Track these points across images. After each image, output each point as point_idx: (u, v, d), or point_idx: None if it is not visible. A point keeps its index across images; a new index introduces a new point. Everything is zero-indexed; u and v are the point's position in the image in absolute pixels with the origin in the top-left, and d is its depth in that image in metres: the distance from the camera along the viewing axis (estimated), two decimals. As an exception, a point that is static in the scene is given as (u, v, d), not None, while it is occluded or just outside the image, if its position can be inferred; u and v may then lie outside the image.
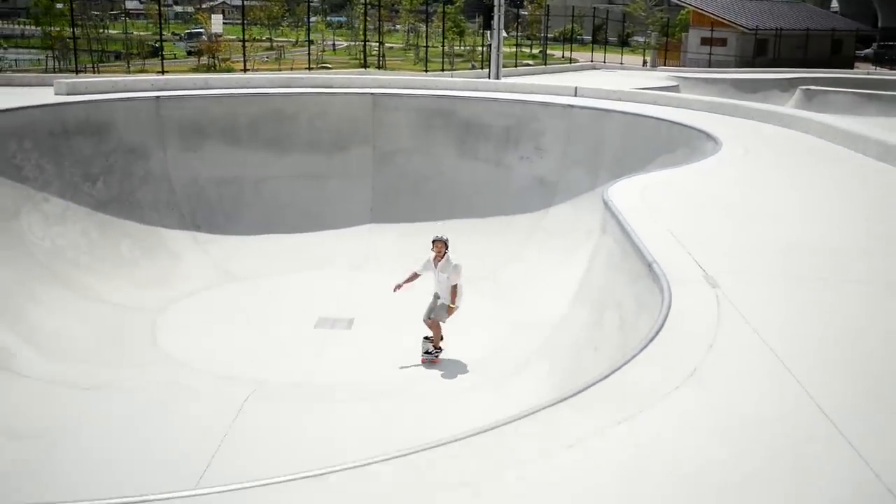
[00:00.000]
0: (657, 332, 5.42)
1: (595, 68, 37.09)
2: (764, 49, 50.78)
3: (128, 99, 16.63)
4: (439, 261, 11.17)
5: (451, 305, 10.91)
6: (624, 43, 52.70)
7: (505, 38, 26.40)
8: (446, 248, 11.26)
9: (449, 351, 11.59)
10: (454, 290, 10.92)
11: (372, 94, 18.04)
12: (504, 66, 25.70)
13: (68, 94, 16.71)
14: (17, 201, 13.48)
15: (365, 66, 32.67)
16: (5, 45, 28.47)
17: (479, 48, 39.06)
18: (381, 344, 11.96)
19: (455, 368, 11.11)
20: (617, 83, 24.52)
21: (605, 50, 46.56)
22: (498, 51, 24.41)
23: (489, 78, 24.49)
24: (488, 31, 25.23)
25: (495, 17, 24.02)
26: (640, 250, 7.15)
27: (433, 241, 11.37)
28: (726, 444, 4.12)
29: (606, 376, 4.85)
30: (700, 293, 6.19)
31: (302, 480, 3.82)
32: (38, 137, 14.51)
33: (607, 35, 57.34)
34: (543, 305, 12.31)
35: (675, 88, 26.70)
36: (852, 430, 4.24)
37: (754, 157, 12.49)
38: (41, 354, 10.33)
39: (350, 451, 8.07)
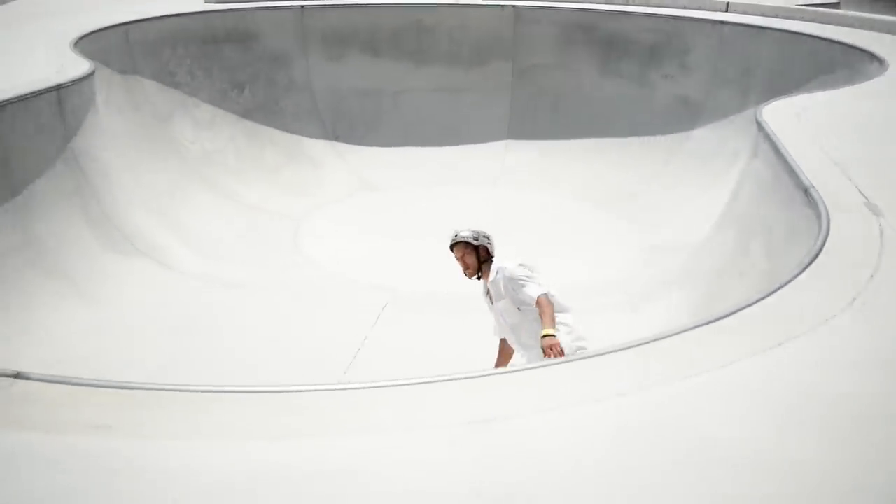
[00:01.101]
0: (813, 259, 5.17)
1: (748, -17, 35.03)
2: (938, -36, 46.66)
3: (273, 8, 16.87)
4: (486, 280, 6.75)
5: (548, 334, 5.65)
6: (780, -44, 49.46)
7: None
8: (488, 254, 6.82)
9: (581, 271, 11.50)
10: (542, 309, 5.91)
11: (514, 6, 17.64)
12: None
13: (217, 2, 17.08)
14: (170, 106, 14.04)
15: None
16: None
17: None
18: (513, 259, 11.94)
19: (588, 288, 11.02)
20: (772, -1, 23.07)
21: (759, -37, 43.81)
22: (646, -37, 23.31)
23: (635, -9, 23.46)
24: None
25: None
26: (796, 174, 6.80)
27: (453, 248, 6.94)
28: (885, 372, 3.92)
29: (759, 300, 4.68)
30: (861, 221, 5.84)
31: (446, 382, 3.89)
32: (190, 45, 14.97)
33: (762, -53, 53.92)
34: (683, 229, 11.98)
35: (835, 5, 24.96)
36: None
37: (925, 79, 11.60)
38: (194, 253, 10.87)
39: (483, 362, 8.20)
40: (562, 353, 5.44)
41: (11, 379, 3.59)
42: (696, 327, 4.45)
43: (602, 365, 4.09)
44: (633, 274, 11.38)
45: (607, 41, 17.00)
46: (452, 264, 11.75)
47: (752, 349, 4.10)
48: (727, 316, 4.47)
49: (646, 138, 15.68)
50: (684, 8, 17.94)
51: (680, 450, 3.34)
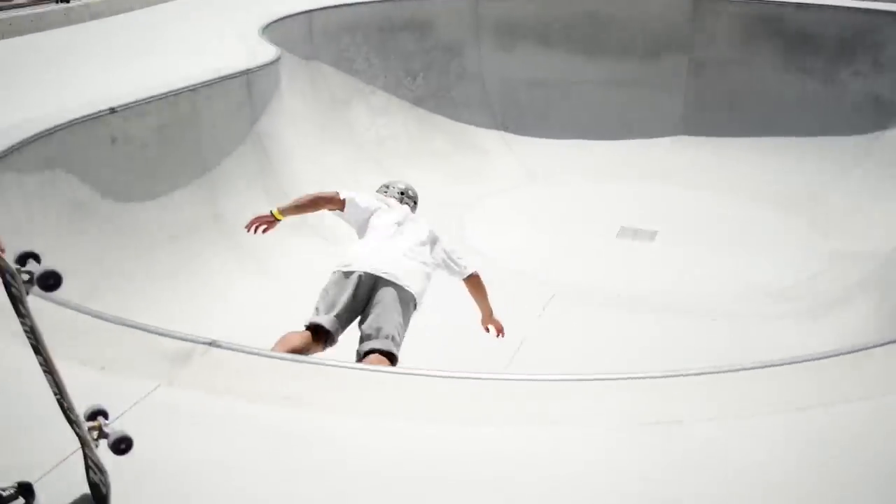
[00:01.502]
0: None
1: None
2: None
3: (450, -3, 17.07)
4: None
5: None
6: None
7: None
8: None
9: (756, 275, 11.03)
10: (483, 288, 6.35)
11: (693, -4, 17.07)
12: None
13: (396, -9, 17.46)
14: (348, 92, 14.48)
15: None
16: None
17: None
18: (683, 259, 11.60)
19: (760, 294, 10.55)
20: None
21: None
22: (839, -48, 22.00)
23: (825, -17, 22.21)
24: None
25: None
26: None
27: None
28: None
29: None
30: None
31: (626, 381, 3.79)
32: (368, 32, 15.37)
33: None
34: (872, 236, 11.25)
35: None
36: None
37: None
38: (365, 236, 11.16)
39: (654, 363, 8.00)
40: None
41: (206, 346, 3.78)
42: (886, 343, 4.13)
43: (791, 374, 3.87)
44: (814, 281, 10.79)
45: (792, 35, 16.13)
46: (620, 259, 11.60)
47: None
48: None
49: (832, 139, 14.80)
50: (879, 0, 16.82)
51: (882, 473, 3.11)
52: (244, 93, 9.81)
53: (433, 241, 5.82)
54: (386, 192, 6.46)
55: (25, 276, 2.10)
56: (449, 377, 3.82)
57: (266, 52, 11.13)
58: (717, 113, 16.05)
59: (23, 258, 2.17)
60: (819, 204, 13.49)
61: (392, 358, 5.06)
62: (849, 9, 16.11)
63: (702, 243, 12.13)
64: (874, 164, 13.77)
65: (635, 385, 3.78)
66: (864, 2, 16.73)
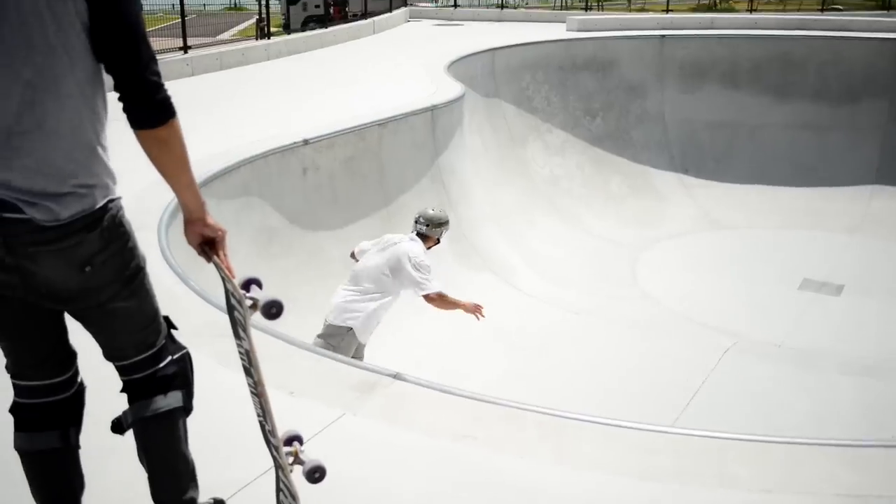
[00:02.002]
0: None
1: None
2: None
3: (633, 37, 16.94)
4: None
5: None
6: None
7: None
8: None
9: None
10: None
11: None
12: None
13: (579, 31, 17.52)
14: (525, 130, 14.60)
15: (887, 7, 29.40)
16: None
17: None
18: (870, 316, 10.87)
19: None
20: None
21: None
22: None
23: None
24: None
25: None
26: None
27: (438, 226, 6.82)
28: None
29: None
30: None
31: (820, 447, 3.57)
32: (549, 71, 15.48)
33: None
34: None
35: None
36: None
37: None
38: (537, 274, 11.15)
39: (826, 426, 7.52)
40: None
41: (391, 378, 3.87)
42: None
43: None
44: None
45: None
46: (802, 313, 11.01)
47: None
48: None
49: None
50: None
51: None
52: (428, 128, 10.07)
53: (394, 269, 6.32)
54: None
55: (249, 302, 2.22)
56: (652, 430, 3.73)
57: (451, 88, 11.40)
58: (917, 163, 15.07)
59: (247, 284, 2.30)
60: None
61: None
62: None
63: (891, 300, 11.33)
64: None
65: (831, 452, 3.56)
66: None
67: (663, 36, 16.80)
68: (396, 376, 3.90)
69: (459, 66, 13.41)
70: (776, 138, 15.93)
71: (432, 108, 10.13)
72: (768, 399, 8.24)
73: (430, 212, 6.83)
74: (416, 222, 6.76)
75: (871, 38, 16.78)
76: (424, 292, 6.34)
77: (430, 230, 6.72)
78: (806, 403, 8.21)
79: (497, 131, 14.01)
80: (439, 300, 6.45)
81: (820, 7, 27.97)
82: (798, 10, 28.37)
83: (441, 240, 6.91)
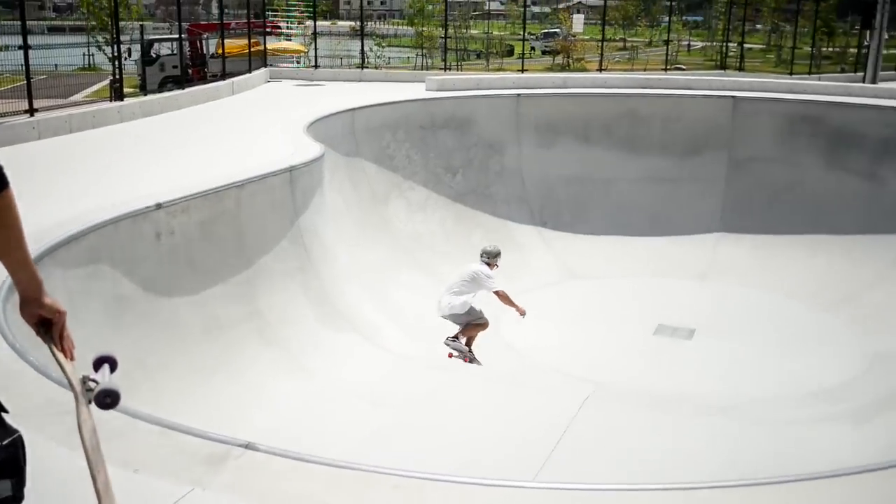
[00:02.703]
0: None
1: None
2: None
3: (490, 96, 17.45)
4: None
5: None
6: None
7: (886, 39, 23.98)
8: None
9: (796, 376, 10.82)
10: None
11: (732, 97, 17.28)
12: (882, 70, 23.35)
13: (438, 90, 17.90)
14: (387, 188, 14.72)
15: (723, 67, 31.44)
16: (383, 44, 31.08)
17: (852, 49, 35.92)
18: (721, 358, 11.45)
19: (803, 395, 10.32)
20: None
21: None
22: (878, 52, 22.23)
23: (864, 82, 22.40)
24: (867, 31, 23.09)
25: (878, 15, 21.88)
26: None
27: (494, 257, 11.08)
28: None
29: None
30: None
31: (656, 492, 3.69)
32: (410, 129, 15.73)
33: None
34: (916, 338, 11.03)
35: None
36: None
37: None
38: (402, 332, 11.17)
39: (684, 469, 7.78)
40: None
41: (242, 449, 3.77)
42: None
43: (823, 488, 3.75)
44: (855, 384, 10.54)
45: (834, 134, 16.21)
46: (657, 358, 11.44)
47: None
48: None
49: (873, 237, 14.69)
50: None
51: None
52: (287, 189, 10.01)
53: (473, 279, 10.66)
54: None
55: (92, 385, 2.14)
56: (511, 486, 3.77)
57: (310, 148, 11.39)
58: (756, 210, 16.07)
59: (99, 362, 2.21)
60: (861, 303, 13.30)
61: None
62: (892, 108, 16.18)
63: (740, 342, 11.98)
64: (917, 264, 13.60)
65: (675, 497, 3.69)
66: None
67: (519, 95, 17.38)
68: (248, 446, 3.80)
69: (319, 127, 13.44)
70: (628, 190, 16.67)
71: (291, 169, 10.08)
72: (627, 445, 8.47)
73: (487, 247, 11.25)
74: (486, 257, 10.95)
75: (709, 95, 17.89)
76: (494, 289, 10.62)
77: (490, 259, 10.98)
78: (663, 447, 8.48)
79: (359, 190, 14.07)
80: (504, 296, 10.66)
81: (664, 67, 29.68)
82: (644, 69, 29.95)
83: (499, 265, 11.08)
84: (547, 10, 76.13)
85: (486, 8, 58.20)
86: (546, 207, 16.46)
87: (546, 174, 16.71)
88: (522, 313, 10.63)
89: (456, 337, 10.74)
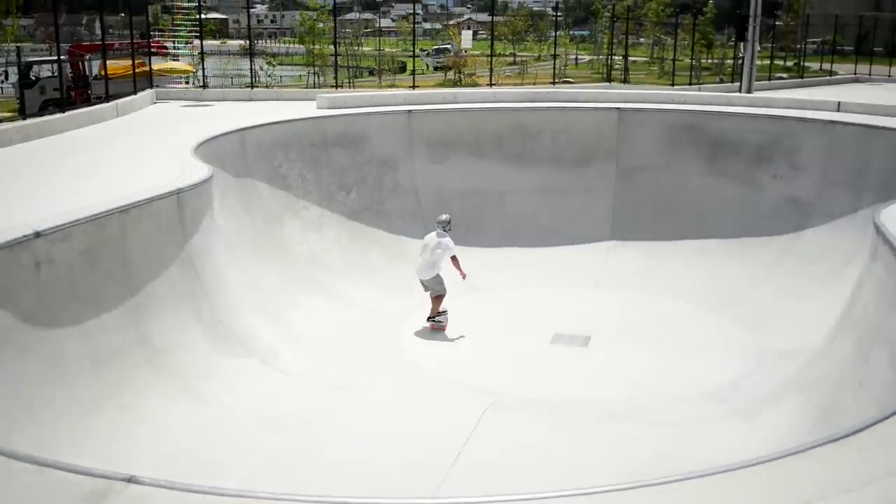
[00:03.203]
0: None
1: (858, 81, 34.41)
2: None
3: (382, 112, 17.48)
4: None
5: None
6: (893, 53, 48.53)
7: (758, 51, 25.12)
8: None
9: (688, 376, 11.19)
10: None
11: (617, 108, 17.80)
12: (756, 80, 24.45)
13: (329, 108, 17.82)
14: (281, 208, 14.55)
15: (609, 80, 32.34)
16: (274, 63, 30.78)
17: (728, 60, 37.48)
18: (617, 363, 11.73)
19: (696, 395, 10.66)
20: (885, 98, 22.62)
21: (870, 61, 43.08)
22: (752, 63, 23.27)
23: (740, 92, 23.40)
24: (741, 43, 24.14)
25: (750, 28, 22.92)
26: (920, 282, 6.48)
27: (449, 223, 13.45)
28: None
29: (884, 419, 4.41)
30: None
31: (557, 499, 3.76)
32: (302, 148, 15.60)
33: (873, 45, 53.02)
34: (796, 334, 11.54)
35: (952, 102, 24.21)
36: None
37: None
38: (299, 353, 11.03)
39: (586, 474, 7.93)
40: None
41: (125, 483, 3.65)
42: (819, 445, 4.19)
43: (719, 484, 3.89)
44: (743, 381, 10.95)
45: (713, 142, 16.90)
46: (554, 366, 11.64)
47: (875, 472, 3.83)
48: (856, 432, 4.20)
49: (754, 239, 15.35)
50: (792, 108, 17.75)
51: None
52: (175, 213, 9.77)
53: (445, 249, 13.03)
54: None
55: None
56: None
57: (198, 170, 11.15)
58: (644, 217, 16.57)
59: None
60: (746, 303, 13.84)
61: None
62: (765, 116, 16.95)
63: (635, 347, 12.30)
64: (794, 264, 14.26)
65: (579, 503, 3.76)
66: (779, 109, 17.64)
67: (410, 111, 17.47)
68: (131, 480, 3.69)
69: (208, 148, 13.19)
70: (521, 202, 16.95)
71: (178, 192, 9.84)
72: (529, 454, 8.58)
73: (442, 217, 13.45)
74: (441, 226, 13.29)
75: (596, 107, 18.36)
76: (453, 254, 12.94)
77: (447, 227, 13.33)
78: (564, 454, 8.63)
79: (252, 211, 13.87)
80: (456, 260, 13.01)
81: (552, 81, 30.34)
82: (534, 83, 30.53)
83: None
84: (438, 26, 76.86)
85: (378, 25, 58.38)
86: (442, 222, 16.54)
87: (440, 189, 16.83)
88: (464, 276, 13.03)
89: (433, 316, 13.05)
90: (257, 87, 24.96)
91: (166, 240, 9.55)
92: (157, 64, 24.71)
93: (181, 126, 15.59)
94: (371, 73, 39.26)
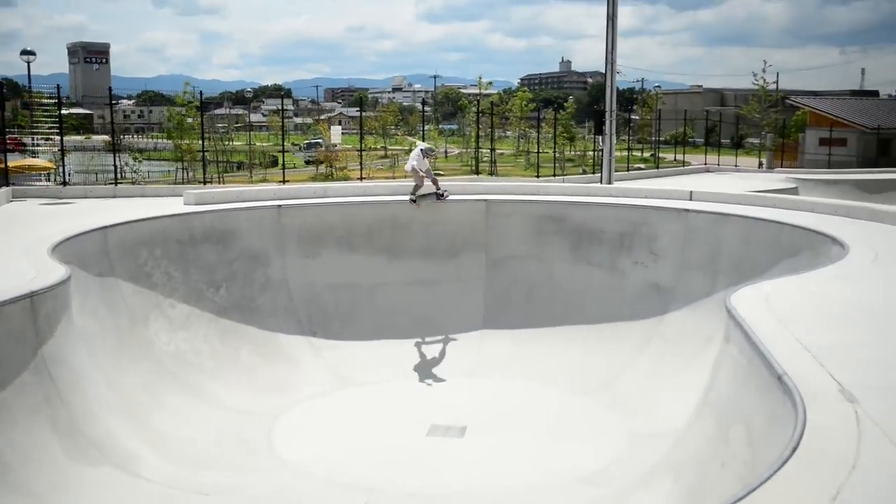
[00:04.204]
0: (793, 451, 5.09)
1: (709, 171, 36.67)
2: (887, 149, 49.26)
3: (251, 208, 17.33)
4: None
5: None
6: (738, 145, 52.06)
7: (616, 143, 26.44)
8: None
9: (566, 461, 11.31)
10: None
11: (485, 200, 18.27)
12: (616, 171, 25.68)
13: (196, 204, 17.53)
14: (146, 307, 14.06)
15: (477, 172, 33.27)
16: (140, 158, 30.25)
17: (590, 153, 39.31)
18: (493, 453, 11.75)
19: (571, 481, 10.77)
20: (733, 186, 24.13)
21: (718, 152, 46.07)
22: (610, 155, 24.44)
23: (601, 182, 24.48)
24: (600, 136, 25.39)
25: (607, 122, 24.16)
26: (769, 361, 6.82)
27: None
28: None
29: (741, 497, 4.56)
30: (837, 409, 5.81)
31: None
32: (168, 245, 15.22)
33: (720, 137, 56.86)
34: (663, 416, 11.88)
35: (793, 191, 26.06)
36: None
37: (886, 260, 11.93)
38: (165, 459, 10.54)
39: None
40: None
41: None
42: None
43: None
44: (616, 465, 11.17)
45: (577, 231, 17.53)
46: (431, 458, 11.53)
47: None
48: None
49: (620, 324, 15.86)
50: (650, 198, 18.65)
51: None
52: (28, 316, 9.31)
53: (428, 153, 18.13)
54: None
55: None
56: None
57: (54, 271, 10.70)
58: (515, 306, 16.91)
59: None
60: (616, 387, 14.20)
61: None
62: (623, 205, 17.74)
63: (509, 434, 12.37)
64: (659, 346, 14.78)
65: None
66: (637, 199, 18.51)
67: (280, 206, 17.40)
68: None
69: (67, 247, 12.71)
70: (393, 294, 17.00)
71: (32, 295, 9.41)
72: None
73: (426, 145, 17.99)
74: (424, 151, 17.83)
75: (465, 199, 18.77)
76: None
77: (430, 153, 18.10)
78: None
79: (115, 312, 13.34)
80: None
81: (422, 173, 30.90)
82: (405, 177, 31.03)
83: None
84: (309, 120, 77.54)
85: (248, 120, 58.39)
86: (314, 316, 16.38)
87: (312, 283, 16.71)
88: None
89: (440, 194, 17.99)
90: (122, 183, 24.39)
91: (17, 346, 9.07)
92: (14, 161, 23.82)
93: (38, 225, 15.02)
94: (241, 167, 39.09)
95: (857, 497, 4.53)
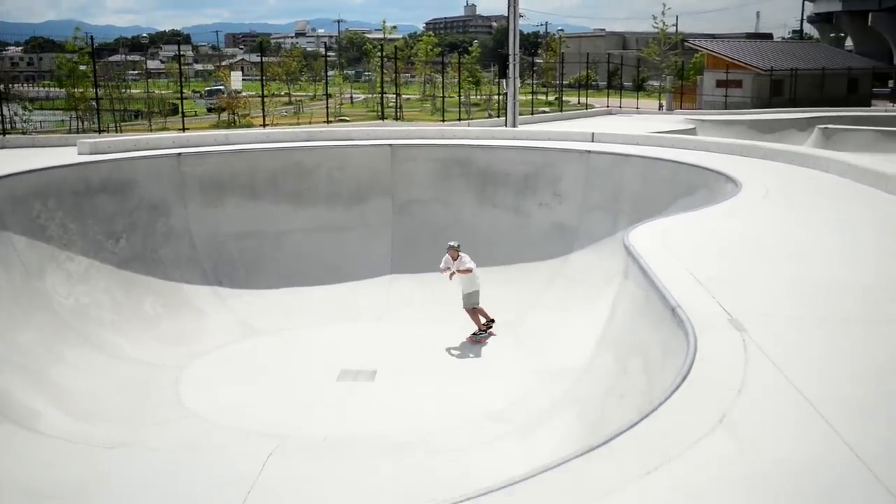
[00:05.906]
0: (683, 379, 5.33)
1: (611, 113, 37.24)
2: (780, 90, 50.91)
3: (150, 157, 16.84)
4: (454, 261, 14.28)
5: (461, 271, 14.14)
6: (639, 87, 52.95)
7: (520, 87, 26.57)
8: (458, 252, 14.28)
9: (474, 399, 11.54)
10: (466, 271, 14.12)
11: (390, 145, 18.19)
12: (520, 114, 25.84)
13: (91, 154, 16.94)
14: (41, 261, 13.60)
15: (382, 117, 33.00)
16: (31, 108, 28.89)
17: (496, 97, 39.38)
18: (403, 395, 11.89)
19: (479, 419, 11.01)
20: (634, 127, 24.60)
21: (620, 95, 46.83)
22: (514, 99, 24.56)
23: (506, 126, 24.63)
24: (504, 80, 25.46)
25: (511, 66, 24.22)
26: (664, 295, 7.08)
27: (448, 248, 14.35)
28: (759, 491, 4.01)
29: (633, 425, 4.76)
30: (726, 337, 6.09)
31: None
32: (62, 197, 14.68)
33: (622, 80, 57.71)
34: (566, 352, 12.21)
35: (691, 131, 26.74)
36: (889, 475, 4.13)
37: (775, 197, 12.42)
38: (66, 414, 10.32)
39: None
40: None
41: None
42: (570, 460, 4.45)
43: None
44: (523, 401, 11.45)
45: (483, 174, 17.65)
46: (342, 403, 11.61)
47: (626, 478, 4.13)
48: (600, 445, 4.50)
49: (526, 265, 16.14)
50: (553, 140, 18.88)
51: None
52: (-88, 273, 8.93)
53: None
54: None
55: None
56: None
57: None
58: (423, 250, 16.93)
59: None
60: (523, 326, 14.50)
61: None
62: (528, 148, 17.93)
63: (420, 376, 12.53)
64: (564, 285, 15.13)
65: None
66: (540, 141, 18.72)
67: (180, 153, 16.95)
68: None
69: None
70: (300, 242, 16.87)
71: (-84, 251, 9.01)
72: (317, 494, 8.51)
73: (452, 243, 14.34)
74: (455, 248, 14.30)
75: (370, 144, 18.66)
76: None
77: (457, 249, 14.31)
78: (351, 490, 8.63)
79: (8, 267, 12.86)
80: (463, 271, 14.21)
81: (327, 119, 30.56)
82: (309, 122, 30.61)
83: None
84: (210, 67, 75.35)
85: (145, 67, 56.46)
86: (219, 266, 16.14)
87: (216, 232, 16.42)
88: (451, 276, 14.36)
89: (476, 333, 14.23)
90: (12, 133, 23.32)
91: None
92: None
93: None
94: (139, 115, 37.79)
95: (742, 418, 4.78)
